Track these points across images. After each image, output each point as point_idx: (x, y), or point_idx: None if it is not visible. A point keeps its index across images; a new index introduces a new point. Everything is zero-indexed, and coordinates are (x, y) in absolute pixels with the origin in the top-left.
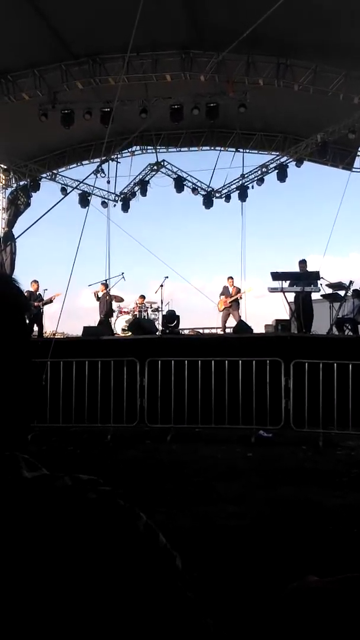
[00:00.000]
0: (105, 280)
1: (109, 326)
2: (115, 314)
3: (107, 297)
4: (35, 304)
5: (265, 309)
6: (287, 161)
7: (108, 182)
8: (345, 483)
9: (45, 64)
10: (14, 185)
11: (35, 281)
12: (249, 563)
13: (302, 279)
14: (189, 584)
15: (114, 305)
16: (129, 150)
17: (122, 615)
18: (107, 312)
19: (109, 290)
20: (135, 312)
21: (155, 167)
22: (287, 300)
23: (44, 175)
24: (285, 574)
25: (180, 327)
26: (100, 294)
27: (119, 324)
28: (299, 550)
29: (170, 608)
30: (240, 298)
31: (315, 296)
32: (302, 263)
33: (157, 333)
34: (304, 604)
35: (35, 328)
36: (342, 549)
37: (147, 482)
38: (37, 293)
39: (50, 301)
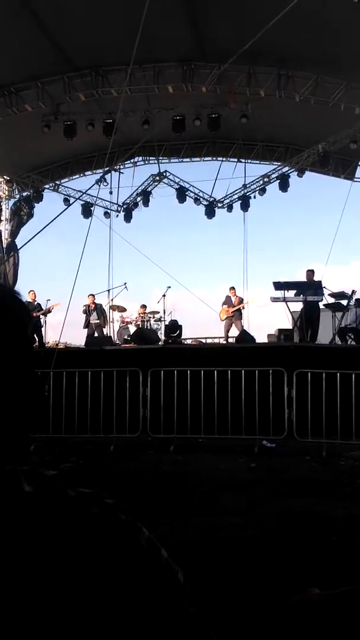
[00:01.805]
0: (107, 291)
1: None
2: (118, 324)
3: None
4: (34, 314)
5: (268, 319)
6: (289, 171)
7: (110, 192)
8: (349, 493)
9: (48, 76)
10: (17, 196)
11: (32, 291)
12: (253, 575)
13: (305, 289)
14: (191, 599)
15: (117, 315)
16: (132, 161)
17: (123, 631)
18: (102, 324)
19: (111, 300)
20: (138, 322)
21: (157, 178)
22: (289, 310)
23: (47, 186)
24: (290, 585)
25: (183, 337)
26: (92, 307)
27: (122, 333)
28: (303, 561)
29: (172, 624)
30: (243, 308)
31: None
32: (310, 272)
33: (160, 343)
34: (305, 616)
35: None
36: (346, 560)
37: (150, 493)
38: (36, 303)
39: (48, 311)
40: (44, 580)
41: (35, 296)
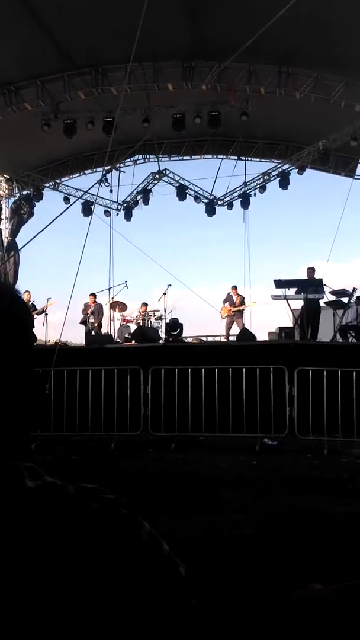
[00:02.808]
0: (108, 289)
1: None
2: (119, 322)
3: (99, 307)
4: None
5: (269, 317)
6: (289, 169)
7: (111, 191)
8: (350, 491)
9: (47, 75)
10: (17, 194)
11: (28, 291)
12: (254, 571)
13: (305, 286)
14: (193, 592)
15: (117, 314)
16: (132, 159)
17: (126, 624)
18: (99, 323)
19: (112, 299)
20: (139, 321)
21: (157, 176)
22: (290, 308)
23: (47, 184)
24: (291, 582)
25: (184, 335)
26: (92, 307)
27: (123, 332)
28: (305, 558)
29: (174, 616)
30: (244, 310)
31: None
32: (311, 270)
33: (161, 341)
34: (307, 611)
35: None
36: (347, 557)
37: (151, 491)
38: (31, 303)
39: (43, 311)
40: (45, 575)
41: (30, 296)
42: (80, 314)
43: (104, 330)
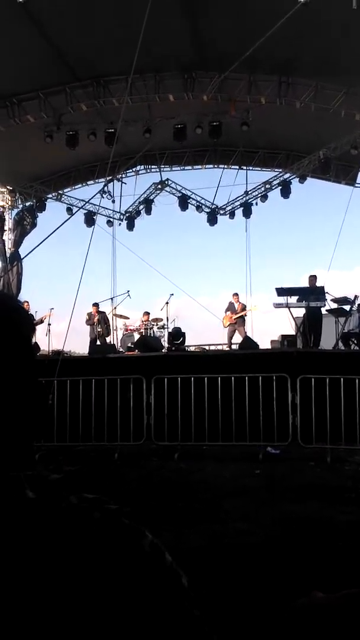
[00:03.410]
0: (110, 299)
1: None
2: (122, 332)
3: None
4: None
5: (271, 325)
6: (290, 177)
7: (113, 201)
8: (354, 499)
9: (50, 87)
10: (20, 206)
11: (27, 301)
12: (257, 581)
13: (307, 294)
14: (195, 602)
15: (120, 322)
16: (134, 169)
17: (128, 634)
18: (104, 333)
19: (115, 308)
20: (141, 330)
21: (159, 186)
22: (292, 316)
23: (50, 195)
24: (294, 591)
25: (186, 344)
26: (97, 316)
27: (125, 341)
28: (309, 567)
29: (176, 626)
30: (245, 315)
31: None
32: (312, 278)
33: (163, 350)
34: (309, 620)
35: None
36: (352, 566)
37: (154, 501)
38: (29, 313)
39: (40, 321)
40: (48, 585)
41: (29, 306)
42: (84, 324)
43: (107, 340)
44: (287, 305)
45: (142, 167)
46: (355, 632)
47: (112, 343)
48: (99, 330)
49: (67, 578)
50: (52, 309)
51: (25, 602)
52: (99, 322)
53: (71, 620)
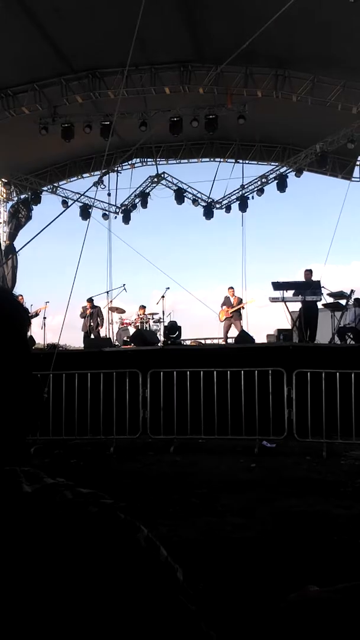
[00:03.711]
0: (106, 292)
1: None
2: (117, 325)
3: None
4: None
5: (267, 319)
6: (287, 171)
7: (109, 194)
8: (349, 493)
9: (45, 79)
10: (15, 198)
11: (21, 295)
12: (253, 574)
13: (304, 288)
14: (191, 597)
15: (116, 316)
16: (129, 162)
17: (123, 629)
18: (97, 326)
19: (111, 302)
20: (137, 324)
21: (155, 179)
22: (288, 310)
23: (45, 188)
24: (290, 585)
25: (182, 337)
26: (89, 311)
27: (121, 335)
28: (304, 561)
29: (172, 621)
30: (243, 309)
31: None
32: (308, 272)
33: (159, 344)
34: (303, 614)
35: None
36: (347, 559)
37: (150, 494)
38: (24, 307)
39: (36, 314)
40: (43, 580)
41: (23, 300)
42: (79, 318)
43: (102, 333)
44: (283, 300)
45: (138, 160)
46: (351, 626)
47: (107, 337)
48: (91, 324)
49: (62, 573)
50: (48, 302)
51: (21, 597)
52: (92, 315)
53: (67, 615)
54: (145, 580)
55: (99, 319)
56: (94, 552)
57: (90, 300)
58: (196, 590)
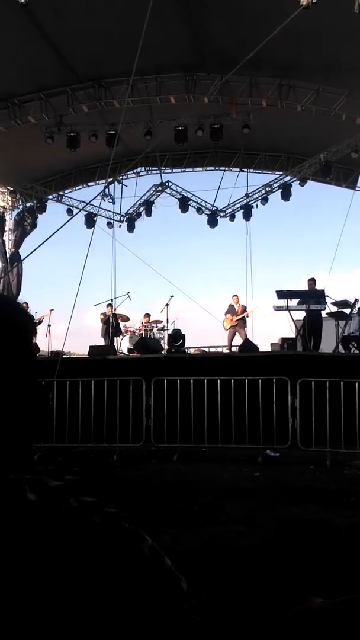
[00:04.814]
0: (111, 300)
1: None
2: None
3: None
4: None
5: (271, 327)
6: (291, 180)
7: (113, 203)
8: (353, 503)
9: (51, 88)
10: (21, 206)
11: (25, 302)
12: (257, 584)
13: (308, 297)
14: (195, 607)
15: (120, 324)
16: (134, 171)
17: (127, 639)
18: (114, 333)
19: (114, 310)
20: (141, 332)
21: (160, 188)
22: (292, 319)
23: (50, 196)
24: (294, 595)
25: (186, 346)
26: (110, 316)
27: (125, 344)
28: (308, 570)
29: (175, 631)
30: (247, 317)
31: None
32: (312, 281)
33: (163, 352)
34: (308, 625)
35: None
36: (350, 570)
37: (153, 503)
38: (29, 315)
39: (39, 322)
40: (47, 589)
41: (28, 307)
42: (83, 326)
43: (105, 342)
44: (288, 308)
45: (143, 168)
46: (355, 638)
47: (112, 344)
48: (111, 330)
49: (66, 582)
50: (52, 309)
51: (26, 606)
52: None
53: (71, 624)
54: (149, 590)
55: (116, 325)
56: (98, 562)
57: (110, 305)
58: (199, 600)
